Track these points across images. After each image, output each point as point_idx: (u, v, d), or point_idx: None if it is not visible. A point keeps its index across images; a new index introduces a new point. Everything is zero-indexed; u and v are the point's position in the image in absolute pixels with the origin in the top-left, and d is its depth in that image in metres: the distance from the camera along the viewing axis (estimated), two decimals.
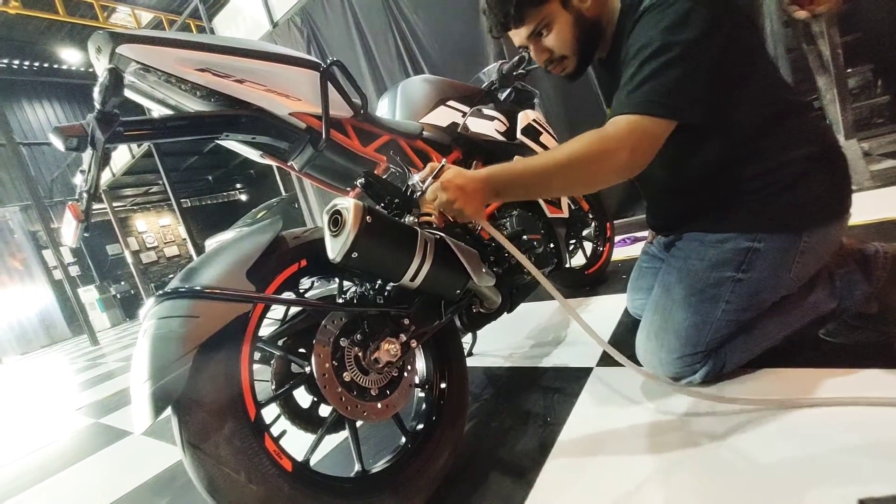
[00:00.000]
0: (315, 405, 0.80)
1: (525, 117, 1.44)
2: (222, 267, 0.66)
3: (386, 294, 0.83)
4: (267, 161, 1.02)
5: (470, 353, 1.47)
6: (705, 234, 0.87)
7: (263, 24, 4.36)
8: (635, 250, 2.15)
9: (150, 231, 12.13)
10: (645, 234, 2.34)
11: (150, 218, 12.24)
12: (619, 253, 2.14)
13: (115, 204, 9.07)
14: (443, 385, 0.91)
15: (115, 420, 2.08)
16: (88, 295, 9.74)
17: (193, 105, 0.83)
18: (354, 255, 0.67)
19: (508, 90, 1.54)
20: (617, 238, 2.25)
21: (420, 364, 0.94)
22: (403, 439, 0.84)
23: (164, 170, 6.55)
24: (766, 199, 0.80)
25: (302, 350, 0.78)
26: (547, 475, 0.78)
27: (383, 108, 1.42)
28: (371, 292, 0.84)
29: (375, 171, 0.96)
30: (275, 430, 0.67)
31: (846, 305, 0.85)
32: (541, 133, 1.47)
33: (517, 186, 0.80)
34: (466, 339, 1.34)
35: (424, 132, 1.17)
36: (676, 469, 0.69)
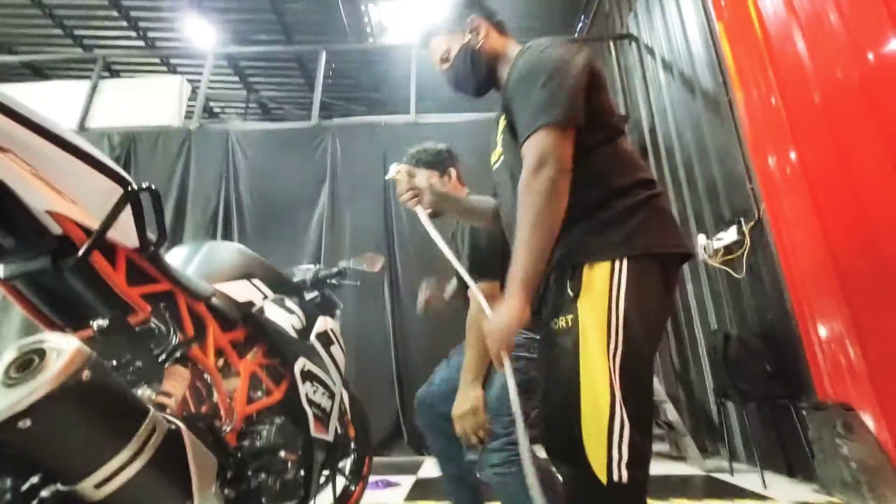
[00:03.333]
0: None
1: (323, 323, 1.44)
2: None
3: None
4: None
5: None
6: None
7: (68, 121, 3.79)
8: (387, 498, 2.01)
9: None
10: (398, 479, 2.25)
11: None
12: (369, 497, 1.94)
13: None
14: None
15: None
16: None
17: None
18: (25, 423, 0.43)
19: (316, 293, 1.57)
20: (371, 478, 2.09)
21: None
22: None
23: None
24: None
25: None
26: None
27: (176, 258, 1.24)
28: (6, 496, 0.51)
29: (128, 318, 0.74)
30: None
31: None
32: (333, 343, 1.46)
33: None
34: None
35: (214, 298, 1.02)
36: None
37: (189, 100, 4.38)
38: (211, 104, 7.43)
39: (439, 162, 1.47)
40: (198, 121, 3.91)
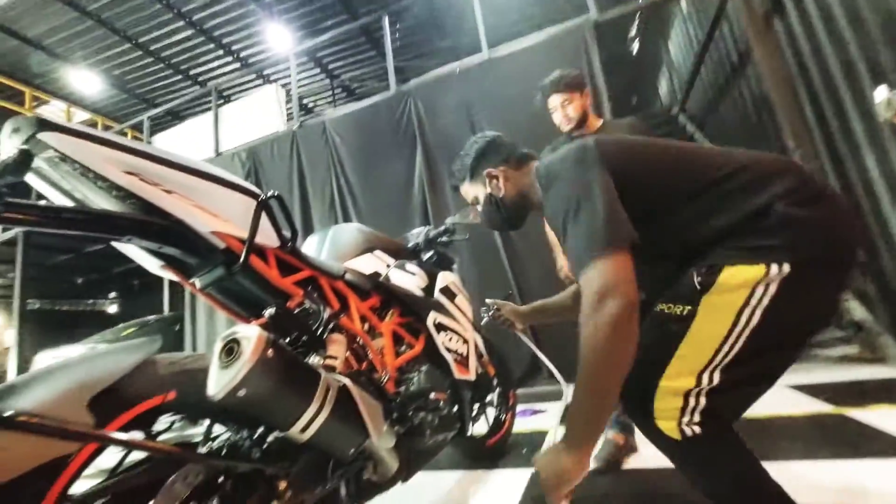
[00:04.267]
0: None
1: (444, 278, 1.54)
2: (59, 389, 0.53)
3: (264, 447, 0.69)
4: (165, 274, 0.93)
5: None
6: None
7: (206, 151, 4.52)
8: (536, 423, 2.15)
9: None
10: (545, 406, 2.38)
11: None
12: (520, 424, 2.11)
13: None
14: None
15: None
16: None
17: (103, 203, 0.77)
18: (242, 392, 0.57)
19: (431, 252, 1.68)
20: (518, 408, 2.25)
21: None
22: None
23: (22, 262, 5.57)
24: None
25: None
26: None
27: (310, 247, 1.44)
28: (247, 443, 0.70)
29: (287, 304, 0.91)
30: None
31: None
32: (456, 295, 1.56)
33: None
34: None
35: (347, 275, 1.18)
36: None
37: (286, 102, 4.82)
38: (304, 101, 8.05)
39: (578, 84, 1.71)
40: (297, 120, 4.30)
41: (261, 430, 0.71)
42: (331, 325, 0.85)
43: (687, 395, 0.72)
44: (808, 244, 0.71)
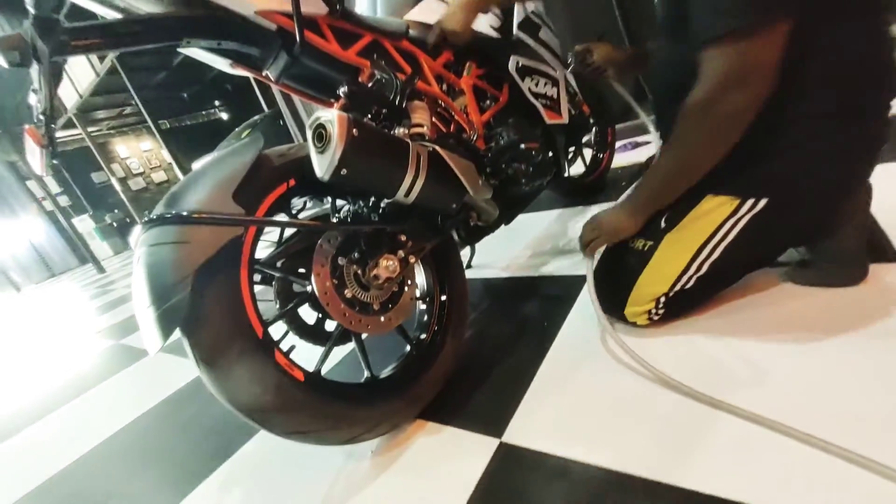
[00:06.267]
0: (320, 321, 0.83)
1: (521, 8, 1.29)
2: (206, 190, 0.64)
3: (381, 211, 0.81)
4: (239, 71, 0.93)
5: (469, 266, 1.49)
6: None
7: None
8: (637, 156, 2.09)
9: (133, 156, 11.64)
10: (648, 138, 2.25)
11: (130, 142, 11.67)
12: (620, 159, 2.07)
13: (89, 128, 8.58)
14: (443, 297, 0.93)
15: (134, 341, 2.20)
16: (84, 225, 9.70)
17: (145, 6, 0.73)
18: (343, 171, 0.63)
19: None
20: (618, 143, 2.17)
21: (420, 278, 0.95)
22: (408, 348, 0.88)
23: (132, 87, 6.09)
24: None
25: (301, 270, 0.79)
26: (541, 378, 0.84)
27: (362, 4, 1.27)
28: (365, 210, 0.82)
29: (359, 79, 0.87)
30: (285, 346, 0.70)
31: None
32: (539, 27, 1.33)
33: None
34: (465, 252, 1.36)
35: (410, 31, 1.05)
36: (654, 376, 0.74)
37: None
38: None
39: None
40: None
41: (373, 198, 0.82)
42: (407, 91, 0.82)
43: (657, 300, 0.81)
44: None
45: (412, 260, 0.80)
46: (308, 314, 0.81)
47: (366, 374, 0.80)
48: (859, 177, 0.74)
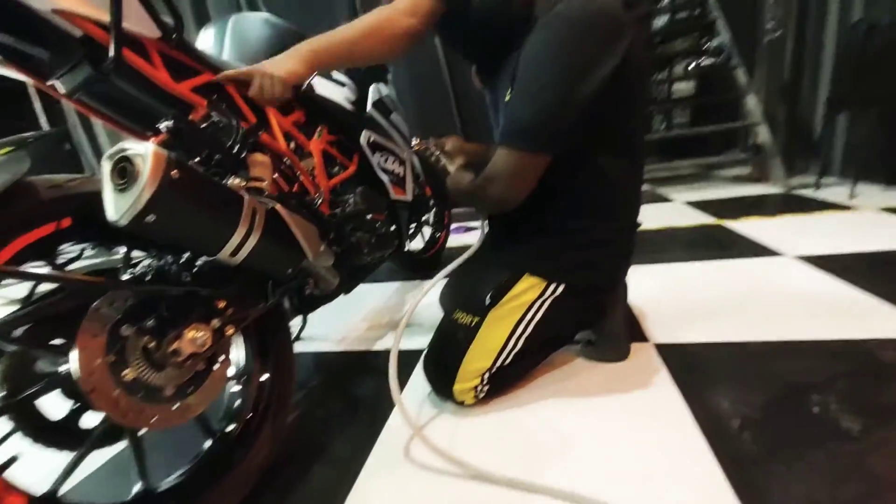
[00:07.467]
0: (74, 414, 0.60)
1: (377, 90, 1.37)
2: None
3: (195, 270, 0.67)
4: (9, 72, 0.70)
5: (298, 338, 1.35)
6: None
7: None
8: (469, 239, 2.33)
9: None
10: (475, 223, 2.55)
11: None
12: (454, 240, 2.28)
13: None
14: (264, 376, 0.80)
15: None
16: None
17: None
18: (150, 218, 0.51)
19: None
20: (452, 226, 2.39)
21: (236, 353, 0.80)
22: (208, 443, 0.71)
23: None
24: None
25: (58, 341, 0.57)
26: (373, 463, 0.77)
27: (206, 42, 1.16)
28: (175, 267, 0.67)
29: (190, 116, 0.76)
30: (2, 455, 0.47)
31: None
32: (391, 111, 1.43)
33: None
34: (294, 322, 1.23)
35: None
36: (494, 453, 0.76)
37: None
38: None
39: None
40: None
41: (188, 254, 0.68)
42: (249, 142, 0.74)
43: (482, 376, 0.87)
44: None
45: (229, 331, 0.67)
46: (53, 405, 0.58)
47: (137, 485, 0.60)
48: (624, 271, 0.97)
